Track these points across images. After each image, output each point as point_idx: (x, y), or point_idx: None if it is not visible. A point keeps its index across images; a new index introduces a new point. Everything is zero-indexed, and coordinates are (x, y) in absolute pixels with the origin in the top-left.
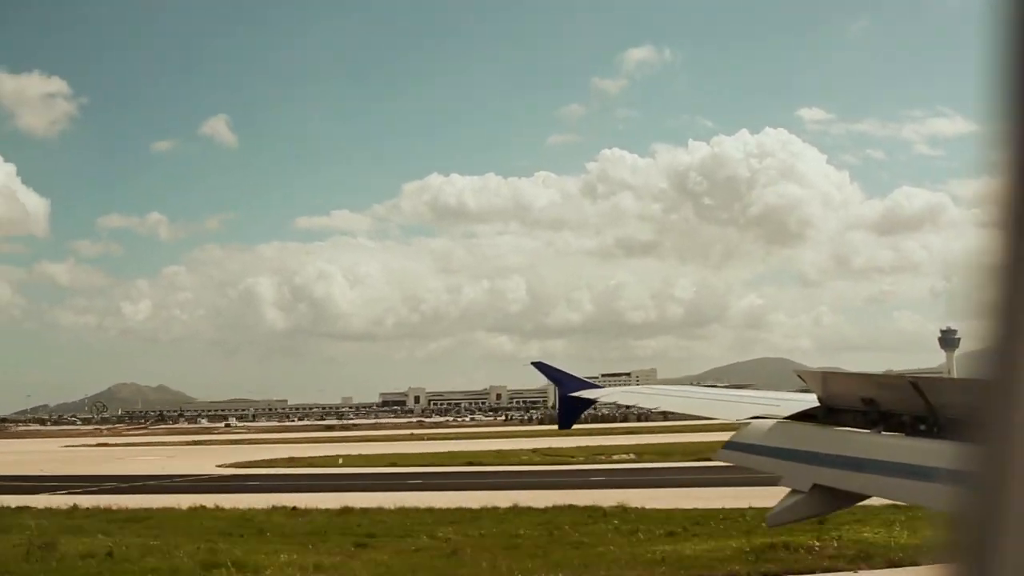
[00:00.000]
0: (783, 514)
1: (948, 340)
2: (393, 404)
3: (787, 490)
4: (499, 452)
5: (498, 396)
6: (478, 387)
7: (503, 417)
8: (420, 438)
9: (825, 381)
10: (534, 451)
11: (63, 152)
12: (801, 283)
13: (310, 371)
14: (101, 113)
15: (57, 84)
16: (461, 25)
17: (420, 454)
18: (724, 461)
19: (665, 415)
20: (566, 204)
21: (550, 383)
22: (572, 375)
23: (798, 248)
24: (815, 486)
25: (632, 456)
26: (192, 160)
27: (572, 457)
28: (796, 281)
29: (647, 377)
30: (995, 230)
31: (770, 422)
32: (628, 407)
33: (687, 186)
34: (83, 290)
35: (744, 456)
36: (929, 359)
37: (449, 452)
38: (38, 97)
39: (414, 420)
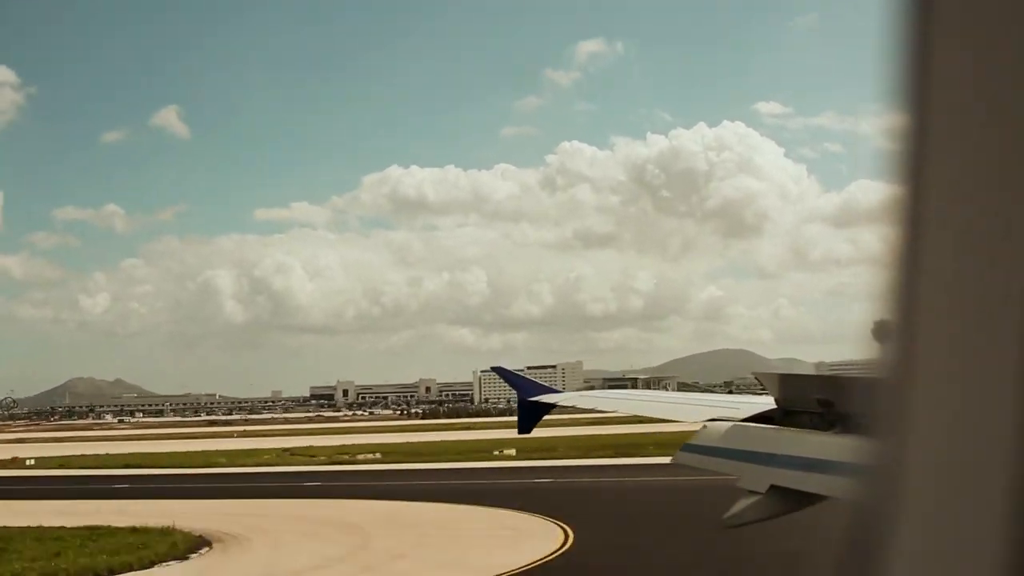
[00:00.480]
0: (741, 515)
1: (880, 332)
2: (322, 398)
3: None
4: (248, 451)
5: (427, 389)
6: (442, 380)
7: (420, 411)
8: (231, 435)
9: (781, 383)
10: (284, 450)
11: (12, 142)
12: (759, 275)
13: (271, 364)
14: (50, 103)
15: (4, 73)
16: (418, 18)
17: (170, 454)
18: (682, 463)
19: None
20: (525, 196)
21: (483, 376)
22: (531, 380)
23: (756, 241)
24: (772, 487)
25: (377, 456)
26: (143, 151)
27: (313, 457)
28: (754, 274)
29: (573, 370)
30: (892, 227)
31: (727, 424)
32: (586, 410)
33: (645, 179)
34: (39, 283)
35: (702, 458)
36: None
37: (205, 452)
38: None
39: (323, 414)
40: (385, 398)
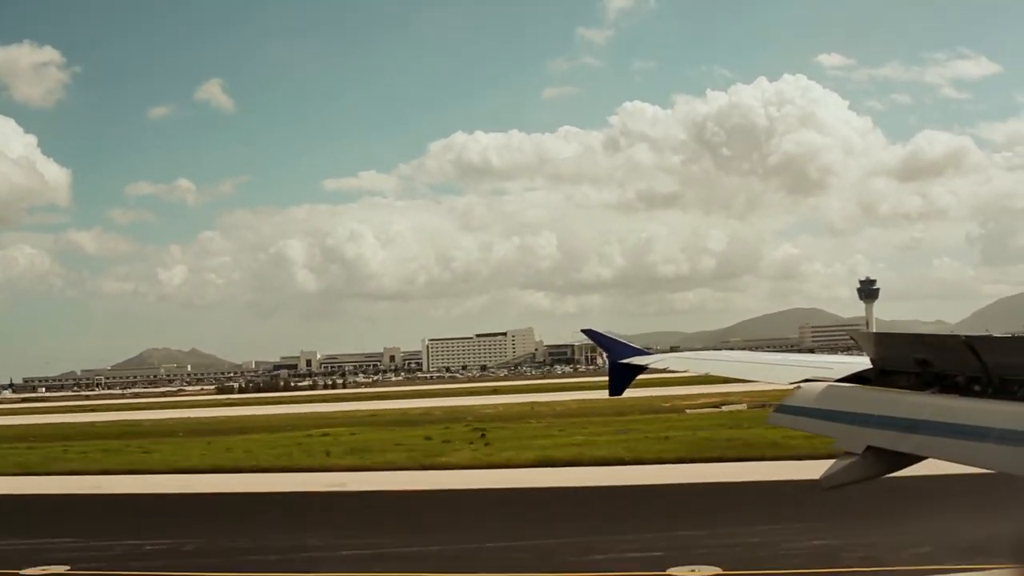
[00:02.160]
0: (837, 476)
1: (867, 291)
2: (287, 367)
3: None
4: None
5: (391, 358)
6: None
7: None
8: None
9: (877, 343)
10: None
11: (64, 121)
12: (829, 232)
13: (345, 330)
14: (94, 81)
15: (49, 53)
16: None
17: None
18: (776, 424)
19: None
20: (589, 158)
21: (431, 344)
22: (622, 342)
23: (822, 196)
24: (869, 448)
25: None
26: (190, 125)
27: None
28: (825, 230)
29: (523, 337)
30: None
31: (822, 385)
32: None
33: (705, 137)
34: (116, 258)
35: (796, 419)
36: (970, 306)
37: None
38: (31, 67)
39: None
40: (353, 367)
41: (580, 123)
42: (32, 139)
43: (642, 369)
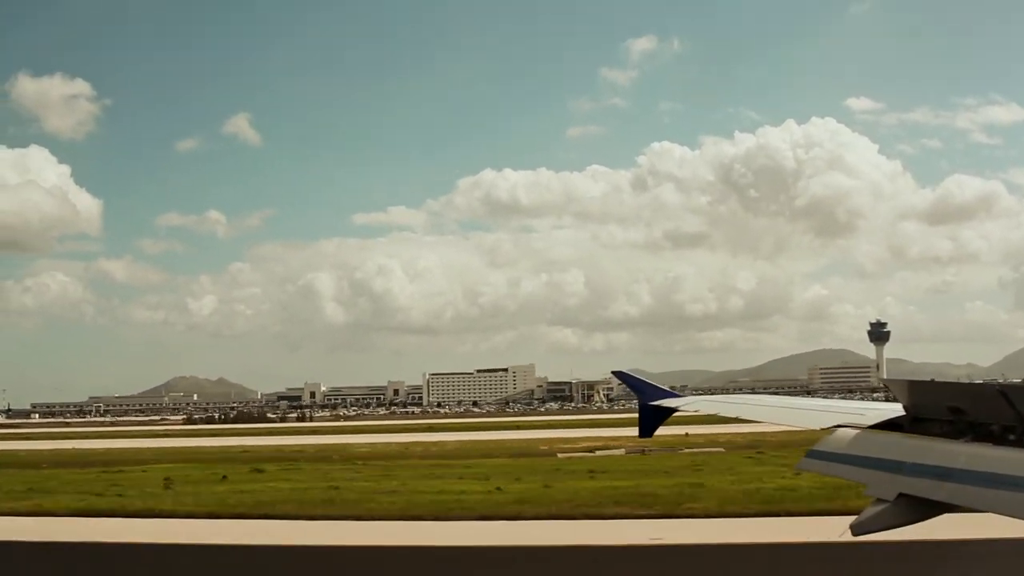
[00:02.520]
0: (868, 523)
1: (877, 334)
2: (290, 399)
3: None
4: None
5: (395, 392)
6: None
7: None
8: None
9: (911, 390)
10: None
11: (94, 152)
12: (859, 275)
13: (372, 363)
14: (124, 113)
15: (80, 86)
16: (459, 21)
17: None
18: (807, 470)
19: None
20: (616, 197)
21: (432, 379)
22: (652, 384)
23: (851, 239)
24: (901, 495)
25: None
26: (217, 158)
27: None
28: (854, 273)
29: (524, 373)
30: None
31: (854, 431)
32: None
33: (732, 178)
34: (145, 287)
35: (828, 465)
36: (1002, 350)
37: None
38: (61, 99)
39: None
40: (355, 399)
41: (608, 162)
42: (65, 169)
43: (672, 411)
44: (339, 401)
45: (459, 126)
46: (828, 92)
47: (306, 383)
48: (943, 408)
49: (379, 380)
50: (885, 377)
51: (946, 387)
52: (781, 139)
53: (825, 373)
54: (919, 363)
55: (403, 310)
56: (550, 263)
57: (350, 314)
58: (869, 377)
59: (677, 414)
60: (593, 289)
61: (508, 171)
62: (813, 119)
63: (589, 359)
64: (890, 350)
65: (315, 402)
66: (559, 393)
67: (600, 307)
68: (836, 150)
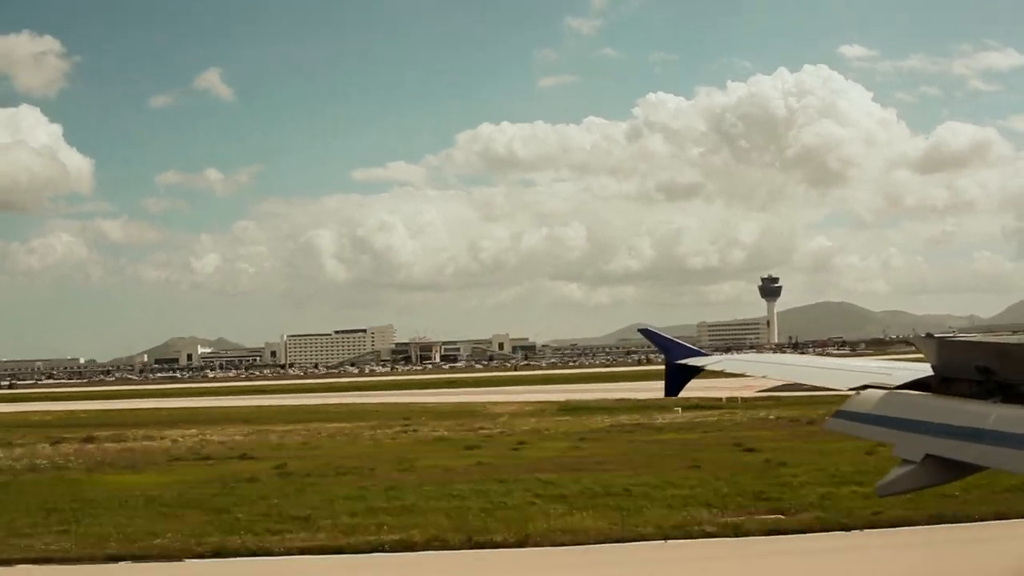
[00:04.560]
0: (895, 483)
1: (767, 290)
2: (166, 361)
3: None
4: None
5: (272, 353)
6: (546, 338)
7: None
8: None
9: (939, 349)
10: None
11: (69, 109)
12: (857, 225)
13: (378, 320)
14: (96, 70)
15: (49, 43)
16: None
17: None
18: (834, 430)
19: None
20: (612, 149)
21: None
22: (680, 342)
23: (845, 189)
24: (928, 456)
25: None
26: (194, 113)
27: None
28: (853, 223)
29: (382, 333)
30: None
31: (881, 391)
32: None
33: (723, 128)
34: (141, 246)
35: (854, 425)
36: (1005, 300)
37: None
38: (30, 56)
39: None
40: (240, 360)
41: (606, 114)
42: (56, 128)
43: (699, 370)
44: (224, 363)
45: (461, 80)
46: (820, 39)
47: (266, 343)
48: (972, 368)
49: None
50: (776, 334)
51: (975, 346)
52: (773, 88)
53: (713, 330)
54: (920, 315)
55: (406, 266)
56: (550, 216)
57: (352, 271)
58: (759, 332)
59: (702, 373)
60: (595, 243)
61: (506, 124)
62: (805, 67)
63: (594, 313)
64: (891, 301)
65: (190, 364)
66: (401, 354)
67: (602, 261)
68: (828, 98)
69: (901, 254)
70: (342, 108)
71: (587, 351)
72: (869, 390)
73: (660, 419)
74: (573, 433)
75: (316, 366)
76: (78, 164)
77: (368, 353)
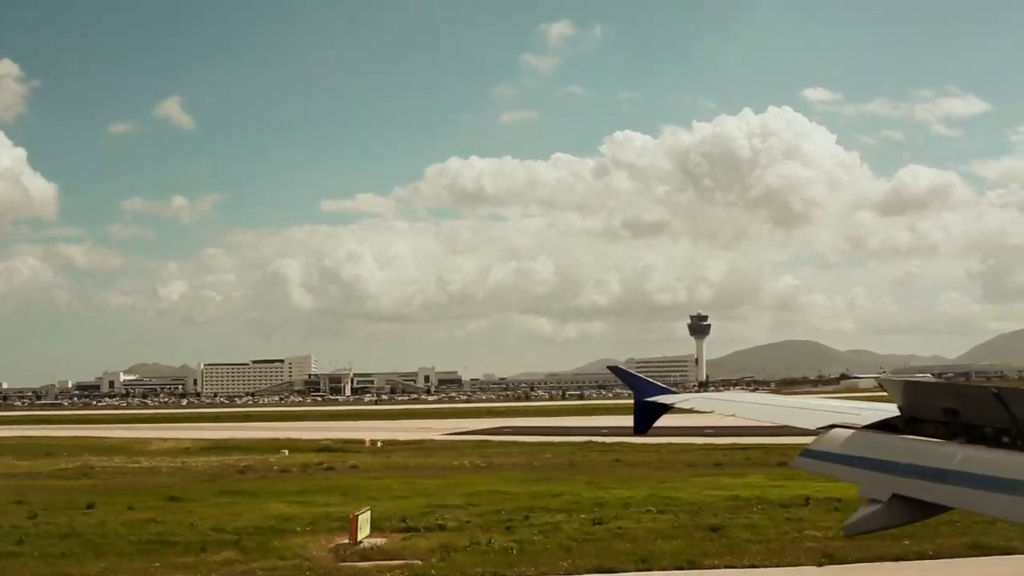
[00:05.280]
0: (863, 523)
1: (697, 327)
2: (87, 388)
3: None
4: None
5: (195, 381)
6: (516, 371)
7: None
8: None
9: (905, 390)
10: None
11: (25, 135)
12: (821, 265)
13: (348, 350)
14: (54, 96)
15: (7, 67)
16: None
17: None
18: (801, 469)
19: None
20: (578, 185)
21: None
22: (649, 380)
23: (808, 229)
24: (895, 496)
25: None
26: (154, 143)
27: None
28: (818, 263)
29: (300, 364)
30: None
31: (848, 431)
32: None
33: (688, 167)
34: (105, 272)
35: (821, 464)
36: (969, 341)
37: None
38: None
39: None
40: (156, 389)
41: (573, 150)
42: (21, 152)
43: (668, 408)
44: (144, 391)
45: (427, 113)
46: (785, 82)
47: (105, 373)
48: (937, 409)
49: (363, 367)
50: (704, 372)
51: (941, 388)
52: (737, 128)
53: (641, 365)
54: (885, 354)
55: (373, 297)
56: (518, 251)
57: (320, 301)
58: (686, 370)
59: (671, 411)
60: (563, 277)
61: (474, 158)
62: (770, 108)
63: (562, 348)
64: (856, 341)
65: (112, 390)
66: (314, 385)
67: (569, 295)
68: (792, 139)
69: (867, 294)
70: (310, 140)
71: (513, 385)
72: (836, 430)
73: (273, 458)
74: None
75: (215, 395)
76: (42, 189)
77: (283, 383)
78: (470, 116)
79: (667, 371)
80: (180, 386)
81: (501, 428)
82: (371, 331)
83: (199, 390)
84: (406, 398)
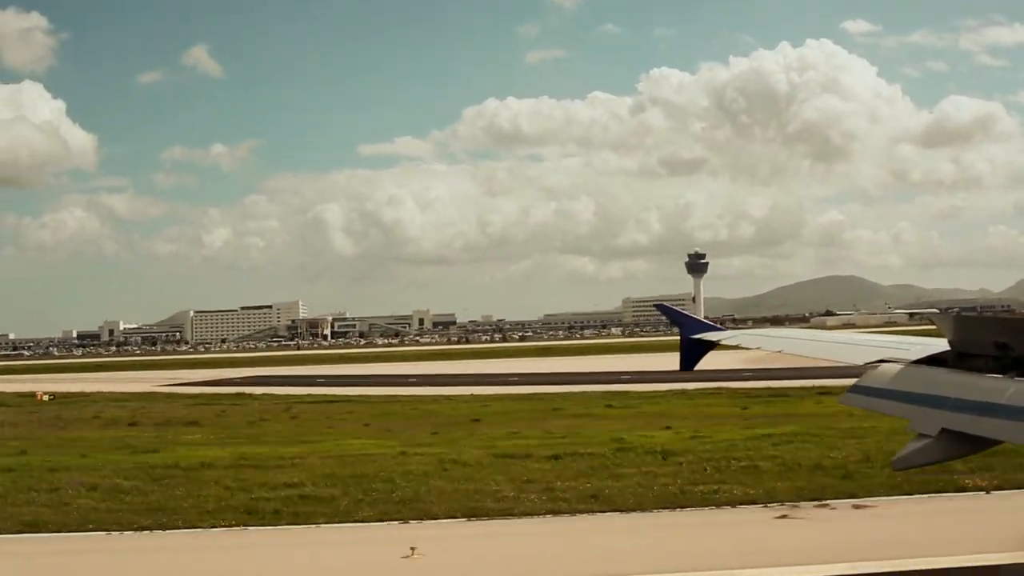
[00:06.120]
0: (910, 457)
1: (694, 265)
2: (87, 337)
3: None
4: None
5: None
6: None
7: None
8: None
9: (955, 324)
10: None
11: (64, 87)
12: (864, 199)
13: (389, 294)
14: (83, 47)
15: (36, 19)
16: None
17: None
18: (849, 405)
19: None
20: (618, 124)
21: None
22: (695, 317)
23: (848, 163)
24: (943, 431)
25: None
26: (183, 90)
27: None
28: (860, 197)
29: (288, 308)
30: None
31: (897, 366)
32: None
33: (725, 103)
34: (146, 222)
35: (870, 400)
36: (1016, 275)
37: None
38: (17, 32)
39: None
40: (154, 337)
41: (612, 89)
42: (60, 104)
43: (714, 345)
44: (140, 338)
45: (464, 56)
46: (823, 14)
47: (105, 321)
48: (988, 343)
49: (403, 310)
50: (702, 311)
51: (991, 322)
52: (775, 63)
53: (637, 305)
54: (930, 288)
55: (414, 240)
56: (556, 191)
57: (360, 245)
58: (684, 308)
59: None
60: (602, 217)
61: (511, 100)
62: (808, 41)
63: (605, 288)
64: (901, 275)
65: (112, 339)
66: (296, 331)
67: (610, 235)
68: (831, 73)
69: (913, 228)
70: (342, 86)
71: (512, 327)
72: (885, 364)
73: None
74: None
75: (223, 342)
76: (81, 140)
77: (268, 329)
78: (496, 56)
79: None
80: (178, 333)
81: (257, 377)
82: (414, 275)
83: (187, 337)
84: (384, 342)
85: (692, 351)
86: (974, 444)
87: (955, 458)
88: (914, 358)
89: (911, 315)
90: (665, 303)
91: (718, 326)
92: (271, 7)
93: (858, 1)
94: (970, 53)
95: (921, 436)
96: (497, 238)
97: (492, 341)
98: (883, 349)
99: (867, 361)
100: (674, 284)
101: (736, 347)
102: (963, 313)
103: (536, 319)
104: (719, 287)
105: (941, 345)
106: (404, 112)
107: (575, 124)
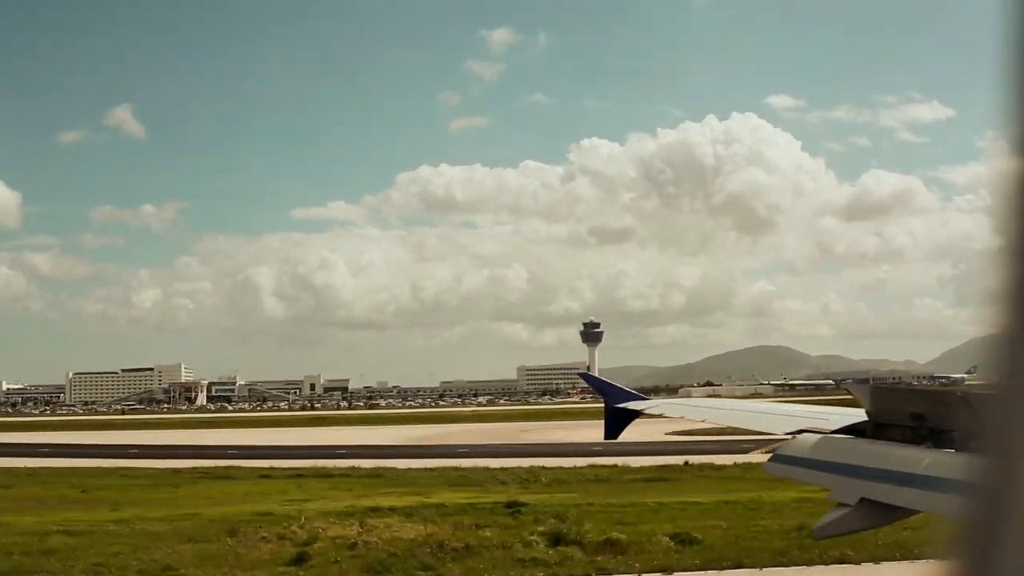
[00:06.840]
0: (830, 526)
1: (589, 335)
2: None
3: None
4: None
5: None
6: (497, 376)
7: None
8: None
9: (872, 396)
10: None
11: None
12: (790, 271)
13: (322, 358)
14: (2, 105)
15: None
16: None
17: None
18: (771, 474)
19: None
20: (547, 193)
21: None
22: (619, 386)
23: (773, 235)
24: (863, 500)
25: None
26: (105, 150)
27: None
28: (787, 269)
29: (170, 371)
30: (1005, 216)
31: (817, 436)
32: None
33: (652, 174)
34: (72, 281)
35: (790, 469)
36: (940, 346)
37: None
38: None
39: None
40: (49, 397)
41: (543, 158)
42: None
43: (637, 414)
44: (46, 399)
45: (398, 123)
46: (749, 88)
47: (67, 375)
48: (905, 414)
49: (332, 374)
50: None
51: (907, 393)
52: (701, 135)
53: (532, 373)
54: (857, 359)
55: (346, 305)
56: (490, 258)
57: (292, 309)
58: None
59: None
60: (535, 285)
61: (444, 166)
62: (734, 115)
63: (538, 355)
64: (830, 346)
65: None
66: (171, 394)
67: (542, 303)
68: (756, 146)
69: (840, 299)
70: (276, 150)
71: (406, 393)
72: (805, 435)
73: None
74: None
75: (86, 404)
76: (4, 196)
77: (144, 392)
78: (424, 123)
79: (559, 379)
80: (60, 395)
81: None
82: (346, 339)
83: (66, 400)
84: (271, 406)
85: (616, 420)
86: (892, 513)
87: (874, 527)
88: (833, 428)
89: (776, 387)
90: (557, 371)
91: (642, 395)
92: (197, 70)
93: (782, 77)
94: (891, 129)
95: (841, 505)
96: (430, 304)
97: (338, 408)
98: (803, 419)
99: (787, 431)
100: (610, 352)
101: (660, 416)
102: (878, 385)
103: (434, 386)
104: (651, 355)
105: (860, 415)
106: (337, 176)
107: (506, 192)
